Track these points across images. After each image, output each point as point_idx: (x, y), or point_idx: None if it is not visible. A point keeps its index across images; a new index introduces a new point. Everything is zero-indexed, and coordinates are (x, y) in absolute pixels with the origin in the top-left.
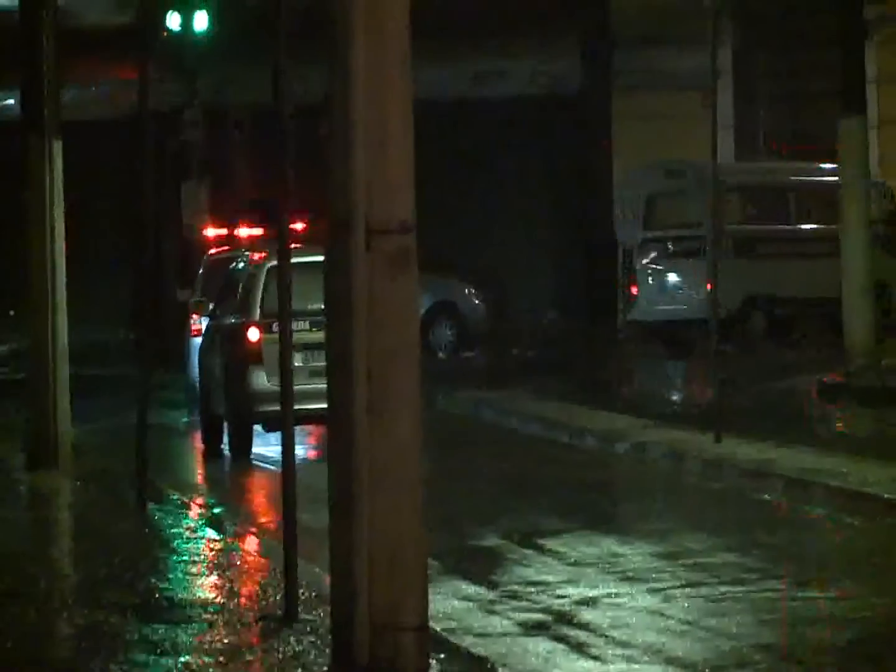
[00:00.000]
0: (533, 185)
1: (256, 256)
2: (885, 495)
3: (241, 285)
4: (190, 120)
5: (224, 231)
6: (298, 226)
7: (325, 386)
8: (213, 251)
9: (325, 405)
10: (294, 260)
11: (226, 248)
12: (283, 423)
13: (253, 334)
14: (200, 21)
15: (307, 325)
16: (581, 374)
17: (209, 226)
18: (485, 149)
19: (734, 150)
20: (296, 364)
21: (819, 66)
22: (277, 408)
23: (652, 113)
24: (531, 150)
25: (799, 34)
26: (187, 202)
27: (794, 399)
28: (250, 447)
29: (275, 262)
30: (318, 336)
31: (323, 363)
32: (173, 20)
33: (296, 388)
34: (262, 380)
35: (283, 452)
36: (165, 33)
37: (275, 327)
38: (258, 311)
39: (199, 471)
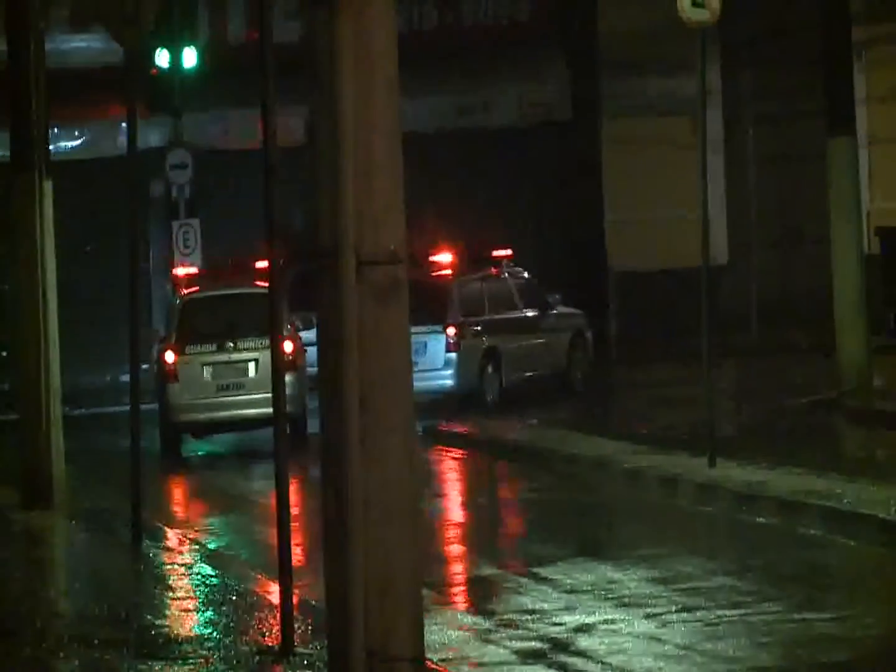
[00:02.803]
0: (522, 213)
1: (183, 292)
2: (880, 515)
3: (169, 316)
4: (178, 160)
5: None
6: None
7: (230, 399)
8: (186, 291)
9: (231, 414)
10: (212, 293)
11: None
12: (277, 467)
13: (169, 357)
14: (189, 58)
15: (214, 347)
16: (575, 399)
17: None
18: (473, 177)
19: (724, 171)
20: (204, 379)
21: (808, 86)
22: (193, 417)
23: (641, 138)
24: (519, 178)
25: (787, 55)
26: (177, 242)
27: (786, 420)
28: (178, 450)
29: (191, 297)
30: (224, 356)
31: (229, 379)
32: (162, 57)
33: (205, 400)
34: (177, 395)
35: (278, 494)
36: (155, 72)
37: (188, 350)
38: (175, 336)
39: (192, 504)
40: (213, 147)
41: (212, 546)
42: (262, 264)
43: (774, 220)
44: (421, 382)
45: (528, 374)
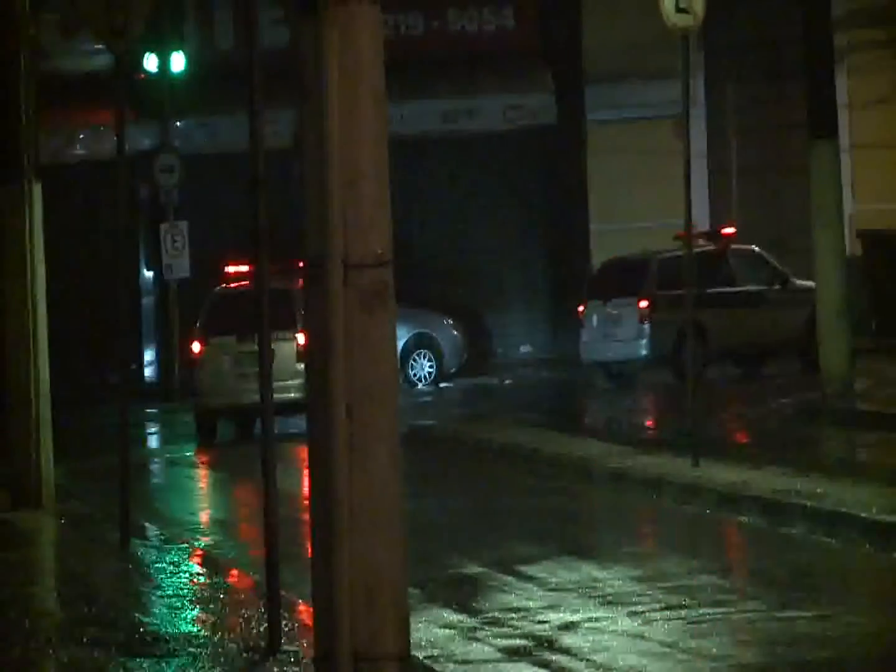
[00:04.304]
0: (506, 220)
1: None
2: (862, 515)
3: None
4: (166, 164)
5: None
6: None
7: (248, 386)
8: (220, 287)
9: (249, 400)
10: (238, 289)
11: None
12: (264, 465)
13: (195, 347)
14: (177, 63)
15: (234, 339)
16: (558, 402)
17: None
18: (458, 184)
19: (707, 181)
20: (225, 367)
21: (790, 95)
22: (214, 403)
23: (625, 146)
24: (504, 185)
25: (770, 68)
26: (165, 246)
27: (770, 422)
28: (211, 434)
29: (217, 292)
30: (243, 347)
31: (247, 368)
32: (150, 62)
33: (225, 387)
34: (201, 381)
35: (266, 492)
36: (143, 76)
37: (211, 340)
38: (201, 328)
39: (184, 502)
40: (200, 151)
41: (200, 545)
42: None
43: (758, 230)
44: (617, 351)
45: (744, 348)
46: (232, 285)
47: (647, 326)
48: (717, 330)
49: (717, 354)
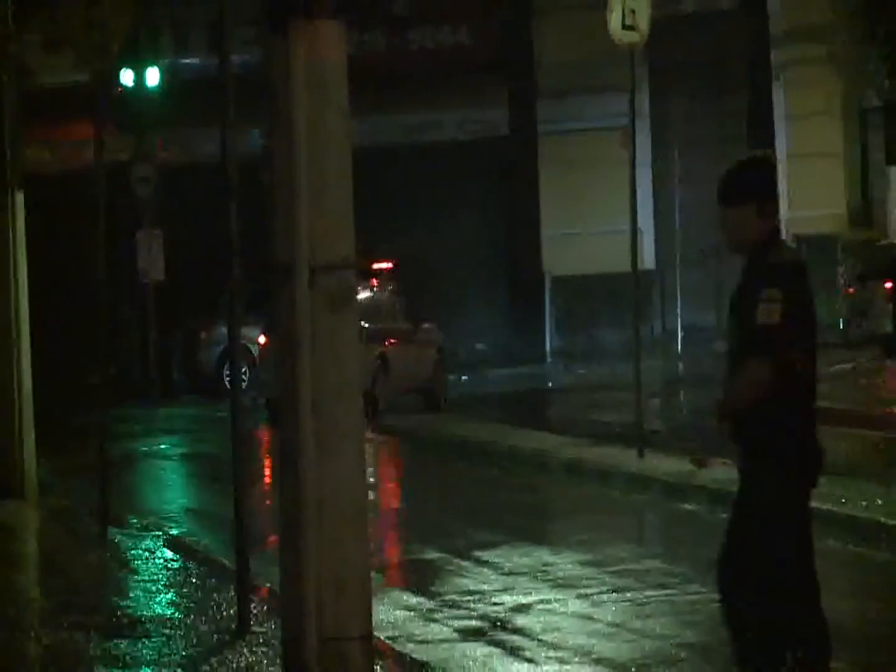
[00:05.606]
0: (465, 226)
1: None
2: None
3: None
4: (143, 174)
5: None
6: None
7: None
8: None
9: None
10: None
11: None
12: (233, 454)
13: (261, 339)
14: (152, 77)
15: None
16: (513, 397)
17: None
18: (420, 192)
19: (652, 189)
20: None
21: (729, 108)
22: (271, 393)
23: (574, 156)
24: (463, 193)
25: (711, 79)
26: (141, 251)
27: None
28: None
29: None
30: None
31: None
32: (126, 76)
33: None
34: (263, 374)
35: (235, 480)
36: (120, 90)
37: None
38: (267, 324)
39: (164, 493)
40: (175, 162)
41: (175, 532)
42: (378, 266)
43: (701, 237)
44: (871, 327)
45: None
46: None
47: (890, 306)
48: None
49: None
